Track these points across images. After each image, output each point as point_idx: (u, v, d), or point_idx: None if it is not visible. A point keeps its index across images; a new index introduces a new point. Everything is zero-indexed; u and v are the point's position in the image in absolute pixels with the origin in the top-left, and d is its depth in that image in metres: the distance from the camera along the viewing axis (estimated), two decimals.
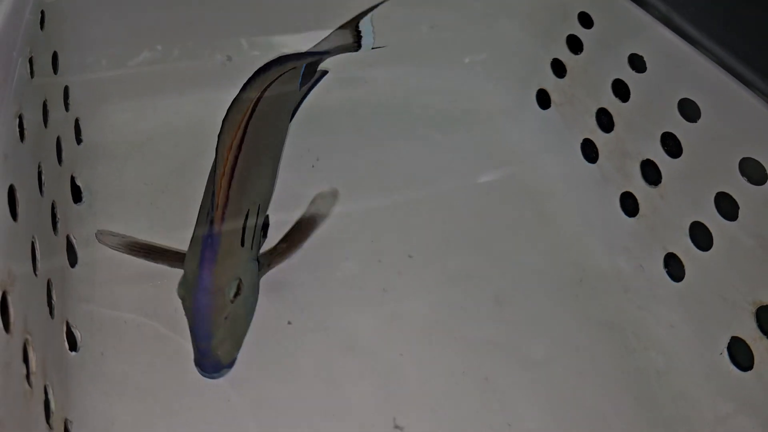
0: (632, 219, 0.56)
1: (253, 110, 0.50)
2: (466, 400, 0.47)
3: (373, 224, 0.57)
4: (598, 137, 0.59)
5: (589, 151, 0.61)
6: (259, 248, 0.50)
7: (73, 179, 0.55)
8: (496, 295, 0.53)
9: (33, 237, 0.42)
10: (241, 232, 0.47)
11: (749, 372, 0.46)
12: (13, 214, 0.39)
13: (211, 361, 0.44)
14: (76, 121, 0.59)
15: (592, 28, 0.60)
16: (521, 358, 0.50)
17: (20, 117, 0.43)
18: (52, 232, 0.47)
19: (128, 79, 0.63)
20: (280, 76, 0.53)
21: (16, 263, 0.38)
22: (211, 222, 0.45)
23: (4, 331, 0.34)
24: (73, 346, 0.47)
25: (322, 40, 0.59)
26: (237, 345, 0.46)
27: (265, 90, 0.51)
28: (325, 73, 0.62)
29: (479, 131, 0.66)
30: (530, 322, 0.52)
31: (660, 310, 0.52)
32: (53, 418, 0.39)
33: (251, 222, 0.48)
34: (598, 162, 0.59)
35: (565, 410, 0.47)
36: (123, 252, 0.50)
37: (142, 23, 0.61)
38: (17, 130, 0.42)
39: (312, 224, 0.52)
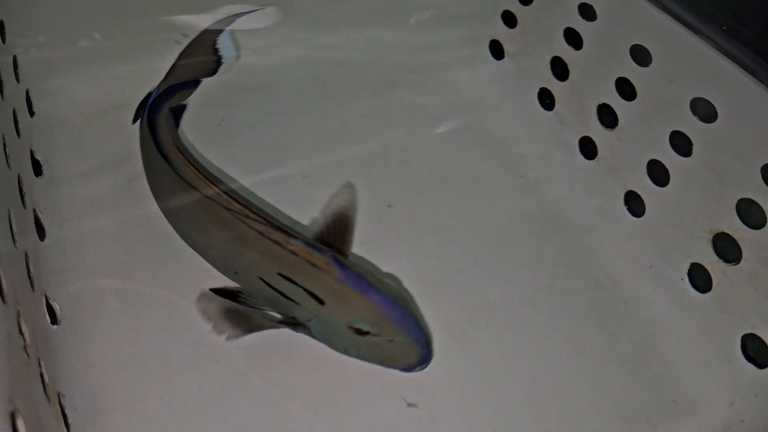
0: (592, 161, 0.58)
1: (192, 163, 0.49)
2: (449, 350, 0.49)
3: (343, 181, 0.58)
4: (554, 85, 0.62)
5: (546, 99, 0.63)
6: None
7: (31, 153, 0.53)
8: (467, 241, 0.55)
9: (9, 210, 0.41)
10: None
11: (709, 293, 0.49)
12: None
13: (430, 349, 0.44)
14: (27, 92, 0.56)
15: None
16: (497, 299, 0.52)
17: None
18: (22, 206, 0.46)
19: (78, 48, 0.60)
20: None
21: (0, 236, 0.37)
22: (336, 261, 0.43)
23: (1, 301, 0.33)
24: (53, 319, 0.46)
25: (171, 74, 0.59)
26: None
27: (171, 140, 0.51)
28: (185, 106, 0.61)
29: (437, 84, 0.67)
30: (502, 265, 0.54)
31: (623, 244, 0.55)
32: (48, 390, 0.39)
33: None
34: (555, 109, 0.62)
35: (542, 343, 0.50)
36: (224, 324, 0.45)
37: None
38: None
39: (346, 220, 0.48)
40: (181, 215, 0.50)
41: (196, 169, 0.49)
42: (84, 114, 0.59)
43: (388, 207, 0.56)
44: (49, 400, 0.38)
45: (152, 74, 0.63)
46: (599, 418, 0.46)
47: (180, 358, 0.46)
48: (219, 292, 0.47)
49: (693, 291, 0.50)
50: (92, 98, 0.60)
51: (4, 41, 0.52)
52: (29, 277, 0.42)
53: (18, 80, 0.54)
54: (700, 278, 0.50)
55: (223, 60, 0.62)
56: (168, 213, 0.51)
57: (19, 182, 0.47)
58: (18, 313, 0.36)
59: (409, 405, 0.45)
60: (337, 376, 0.46)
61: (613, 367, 0.49)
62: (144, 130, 0.53)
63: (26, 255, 0.43)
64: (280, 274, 0.43)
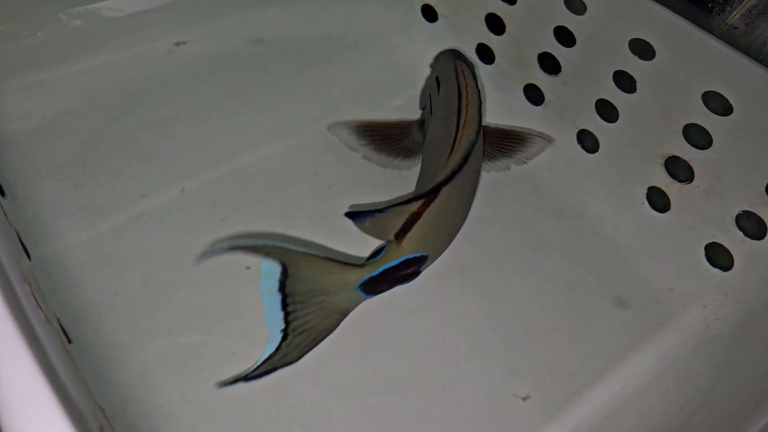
0: (539, 107, 0.62)
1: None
2: (444, 297, 0.52)
3: (307, 157, 0.59)
4: (491, 40, 0.65)
5: (485, 54, 0.66)
6: None
7: None
8: None
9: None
10: None
11: (668, 212, 0.55)
12: None
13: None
14: None
15: None
16: (481, 247, 0.55)
17: None
18: (10, 226, 0.43)
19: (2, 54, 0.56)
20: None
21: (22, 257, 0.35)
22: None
23: (48, 322, 0.32)
24: (69, 340, 0.44)
25: None
26: None
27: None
28: None
29: (378, 55, 0.68)
30: (478, 216, 0.56)
31: (582, 179, 0.59)
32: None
33: None
34: (495, 62, 0.65)
35: (529, 283, 0.53)
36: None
37: None
38: None
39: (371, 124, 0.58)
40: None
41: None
42: (26, 128, 0.56)
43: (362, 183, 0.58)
44: (104, 414, 0.37)
45: (90, 74, 0.60)
46: (597, 336, 0.51)
47: (192, 356, 0.46)
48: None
49: (654, 212, 0.56)
50: (30, 110, 0.57)
51: None
52: (44, 299, 0.40)
53: None
54: (658, 200, 0.56)
55: None
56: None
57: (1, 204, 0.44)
58: (57, 332, 0.35)
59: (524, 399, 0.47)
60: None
61: (594, 290, 0.53)
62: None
63: (34, 275, 0.41)
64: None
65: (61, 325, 0.43)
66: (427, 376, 0.47)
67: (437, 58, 0.60)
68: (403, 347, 0.48)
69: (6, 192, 0.51)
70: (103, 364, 0.45)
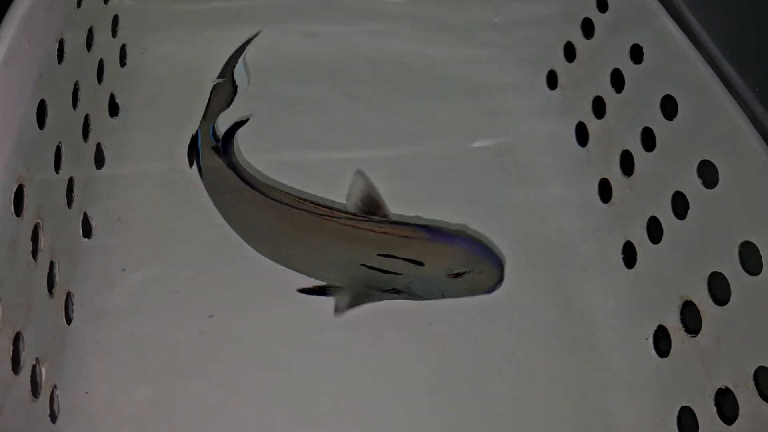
0: (605, 205, 0.59)
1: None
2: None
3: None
4: (591, 122, 0.62)
5: (582, 135, 0.64)
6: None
7: (113, 97, 0.63)
8: None
9: (59, 143, 0.49)
10: None
11: (665, 359, 0.50)
12: (41, 124, 0.46)
13: (503, 269, 0.52)
14: (123, 46, 0.66)
15: (606, 12, 0.61)
16: (480, 316, 0.54)
17: (61, 42, 0.50)
18: (82, 140, 0.55)
19: (175, 11, 0.70)
20: None
21: (37, 163, 0.45)
22: (420, 227, 0.51)
23: (14, 215, 0.41)
24: (87, 234, 0.55)
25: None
26: None
27: None
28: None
29: (487, 101, 0.69)
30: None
31: (607, 291, 0.56)
32: (56, 288, 0.47)
33: None
34: (587, 146, 0.63)
35: (506, 365, 0.52)
36: None
37: None
38: (56, 54, 0.49)
39: (375, 198, 0.54)
40: (276, 234, 0.54)
41: (281, 190, 0.54)
42: (168, 71, 0.68)
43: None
44: (52, 296, 0.47)
45: (235, 43, 0.70)
46: None
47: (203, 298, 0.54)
48: (308, 291, 0.53)
49: (653, 352, 0.51)
50: (179, 58, 0.69)
51: (105, 2, 0.62)
52: (69, 196, 0.51)
53: (115, 36, 0.64)
54: (661, 341, 0.50)
55: (236, 90, 0.64)
56: (257, 236, 0.55)
57: (86, 120, 0.56)
58: (37, 225, 0.45)
59: None
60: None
61: (562, 406, 0.51)
62: (220, 173, 0.56)
63: (71, 179, 0.52)
64: (380, 255, 0.50)
65: (87, 220, 0.55)
66: None
67: None
68: None
69: (120, 114, 0.64)
70: (113, 263, 0.54)
